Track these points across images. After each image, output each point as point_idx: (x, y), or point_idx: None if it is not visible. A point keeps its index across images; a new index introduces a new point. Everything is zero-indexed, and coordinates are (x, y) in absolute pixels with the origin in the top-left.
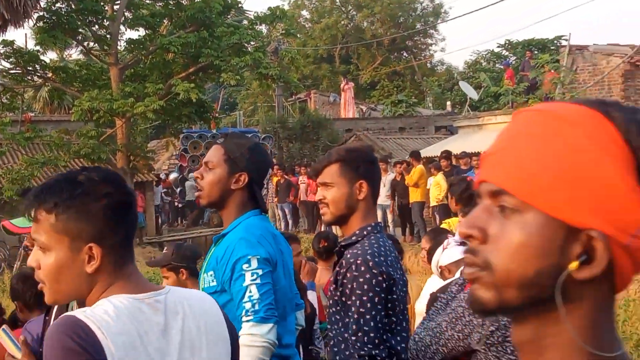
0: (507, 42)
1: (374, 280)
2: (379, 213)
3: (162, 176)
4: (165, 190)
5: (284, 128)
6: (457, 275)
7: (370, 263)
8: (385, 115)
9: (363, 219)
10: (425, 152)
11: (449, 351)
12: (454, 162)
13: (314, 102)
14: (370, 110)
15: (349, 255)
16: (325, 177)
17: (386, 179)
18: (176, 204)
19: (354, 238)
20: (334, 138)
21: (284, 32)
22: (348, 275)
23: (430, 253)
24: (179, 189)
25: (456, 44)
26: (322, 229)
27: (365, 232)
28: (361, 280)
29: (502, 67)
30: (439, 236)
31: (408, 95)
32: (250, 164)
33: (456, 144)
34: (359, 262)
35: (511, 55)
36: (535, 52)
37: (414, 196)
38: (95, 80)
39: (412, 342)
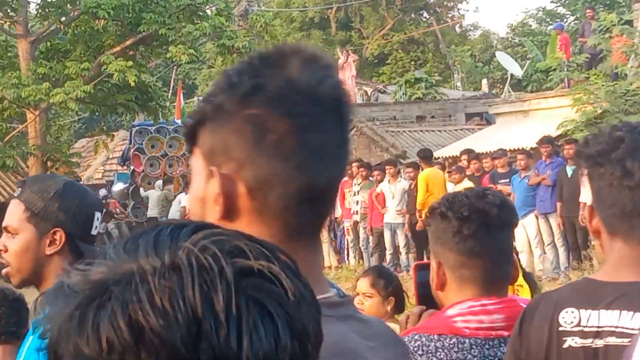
0: None
1: None
2: (387, 235)
3: (102, 192)
4: (108, 211)
5: None
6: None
7: None
8: (398, 100)
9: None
10: (451, 150)
11: None
12: (486, 164)
13: None
14: (377, 92)
15: None
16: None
17: (395, 189)
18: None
19: None
20: None
21: None
22: None
23: None
24: (130, 205)
25: (496, 0)
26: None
27: None
28: None
29: (554, 31)
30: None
31: (429, 71)
32: (63, 214)
33: (494, 138)
34: None
35: (569, 13)
36: (601, 9)
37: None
38: None
39: None
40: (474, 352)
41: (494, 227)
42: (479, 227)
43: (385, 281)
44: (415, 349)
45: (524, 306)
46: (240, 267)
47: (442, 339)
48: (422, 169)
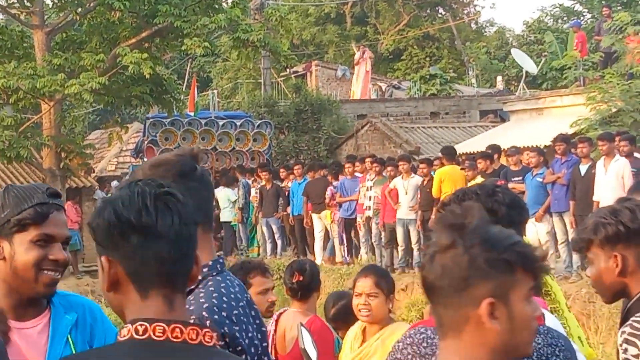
0: None
1: None
2: (399, 231)
3: (115, 184)
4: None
5: (272, 113)
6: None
7: (207, 322)
8: (413, 96)
9: None
10: (465, 147)
11: None
12: (500, 160)
13: (316, 78)
14: (392, 88)
15: None
16: None
17: (409, 184)
18: None
19: None
20: (341, 127)
21: None
22: None
23: None
24: None
25: None
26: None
27: (199, 276)
28: None
29: (570, 28)
30: None
31: (444, 67)
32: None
33: (508, 136)
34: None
35: (585, 11)
36: (618, 8)
37: None
38: (14, 48)
39: None
40: None
41: (503, 226)
42: None
43: (386, 280)
44: (420, 341)
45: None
46: (160, 190)
47: None
48: (443, 166)
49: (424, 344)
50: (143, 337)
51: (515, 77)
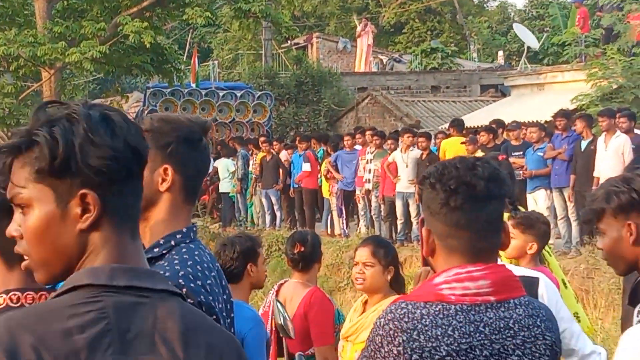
0: None
1: None
2: (399, 204)
3: None
4: None
5: (273, 85)
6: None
7: (184, 291)
8: (414, 70)
9: (168, 221)
10: (466, 121)
11: None
12: (503, 135)
13: (317, 50)
14: (393, 61)
15: None
16: None
17: (408, 157)
18: None
19: (156, 250)
20: (342, 99)
21: None
22: None
23: None
24: None
25: None
26: (331, 227)
27: (172, 242)
28: None
29: (573, 4)
30: None
31: (446, 41)
32: None
33: (509, 110)
34: None
35: None
36: None
37: None
38: (14, 16)
39: None
40: (459, 317)
41: (481, 200)
42: (465, 199)
43: (385, 250)
44: (401, 316)
45: (514, 273)
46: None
47: (427, 306)
48: (449, 137)
49: (405, 319)
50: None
51: (516, 52)
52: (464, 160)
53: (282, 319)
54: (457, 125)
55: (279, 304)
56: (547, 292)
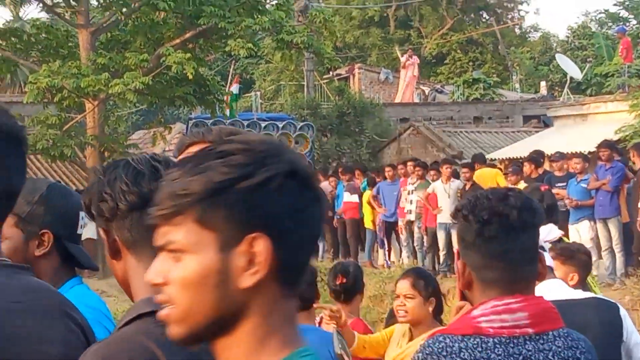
0: None
1: None
2: (441, 235)
3: None
4: None
5: (315, 116)
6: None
7: None
8: (456, 100)
9: None
10: (508, 152)
11: None
12: (545, 166)
13: (359, 81)
14: (434, 92)
15: None
16: None
17: (450, 188)
18: None
19: None
20: (384, 130)
21: None
22: None
23: None
24: None
25: (556, 3)
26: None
27: None
28: None
29: (615, 34)
30: None
31: (488, 72)
32: (50, 216)
33: (551, 141)
34: None
35: (632, 17)
36: None
37: None
38: (59, 47)
39: None
40: (498, 350)
41: (515, 230)
42: (499, 230)
43: (425, 282)
44: (440, 350)
45: (550, 304)
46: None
47: (465, 339)
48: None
49: (444, 353)
50: None
51: (559, 82)
52: (496, 191)
53: (340, 349)
54: (479, 160)
55: (338, 335)
56: (627, 318)
